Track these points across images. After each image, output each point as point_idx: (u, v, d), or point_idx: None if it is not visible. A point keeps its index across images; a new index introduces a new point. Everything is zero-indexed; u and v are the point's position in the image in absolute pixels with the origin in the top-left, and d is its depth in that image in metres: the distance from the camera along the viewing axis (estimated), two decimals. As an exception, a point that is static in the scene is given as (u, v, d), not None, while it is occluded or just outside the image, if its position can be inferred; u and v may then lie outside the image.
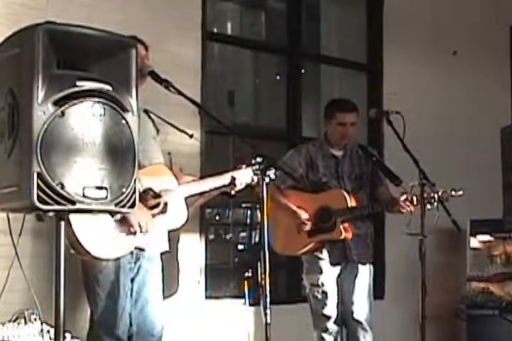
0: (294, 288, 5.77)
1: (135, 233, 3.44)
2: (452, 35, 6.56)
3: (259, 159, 3.50)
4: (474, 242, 6.22)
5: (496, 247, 6.15)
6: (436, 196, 4.07)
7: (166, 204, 3.58)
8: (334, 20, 6.70)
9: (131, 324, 3.61)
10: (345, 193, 4.46)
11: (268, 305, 3.28)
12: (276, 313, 3.36)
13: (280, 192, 4.56)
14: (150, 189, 3.54)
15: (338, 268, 4.56)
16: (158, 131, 3.90)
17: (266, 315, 3.28)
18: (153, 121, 3.87)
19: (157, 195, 3.57)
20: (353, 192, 4.52)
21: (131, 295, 3.60)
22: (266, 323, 3.29)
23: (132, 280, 3.62)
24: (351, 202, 4.45)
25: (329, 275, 4.53)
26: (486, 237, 6.20)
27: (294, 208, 4.54)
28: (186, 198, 3.71)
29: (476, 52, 6.62)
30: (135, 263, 3.61)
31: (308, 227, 4.50)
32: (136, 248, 3.54)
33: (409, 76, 6.23)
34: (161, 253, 3.77)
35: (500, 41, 7.03)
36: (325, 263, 4.53)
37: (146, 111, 3.82)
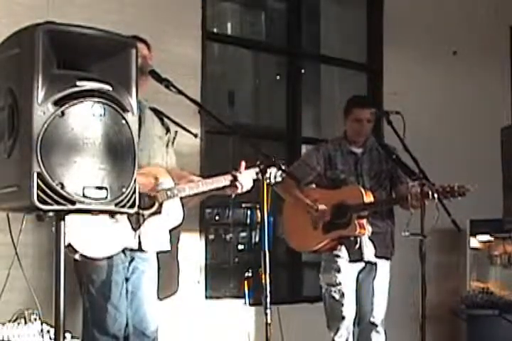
0: (294, 287, 5.77)
1: None
2: (452, 35, 6.56)
3: (259, 162, 3.47)
4: (474, 242, 6.22)
5: (496, 247, 6.15)
6: (448, 189, 4.03)
7: (160, 204, 3.56)
8: (334, 20, 6.70)
9: (127, 324, 3.59)
10: (361, 189, 4.41)
11: (268, 305, 3.28)
12: (277, 313, 3.36)
13: (298, 188, 4.52)
14: None
15: (357, 266, 4.50)
16: (168, 131, 3.87)
17: (266, 315, 3.28)
18: (162, 120, 3.85)
19: (152, 196, 3.55)
20: (372, 190, 4.46)
21: (126, 295, 3.59)
22: (266, 323, 3.29)
23: (127, 280, 3.60)
24: (368, 198, 4.39)
25: (348, 274, 4.47)
26: (486, 237, 6.19)
27: (309, 202, 4.47)
28: (182, 198, 3.68)
29: (476, 52, 6.62)
30: (129, 263, 3.59)
31: (323, 222, 4.44)
32: (127, 248, 3.51)
33: (409, 76, 6.23)
34: (161, 252, 3.74)
35: (500, 41, 7.03)
36: (343, 262, 4.46)
37: (153, 110, 3.81)
